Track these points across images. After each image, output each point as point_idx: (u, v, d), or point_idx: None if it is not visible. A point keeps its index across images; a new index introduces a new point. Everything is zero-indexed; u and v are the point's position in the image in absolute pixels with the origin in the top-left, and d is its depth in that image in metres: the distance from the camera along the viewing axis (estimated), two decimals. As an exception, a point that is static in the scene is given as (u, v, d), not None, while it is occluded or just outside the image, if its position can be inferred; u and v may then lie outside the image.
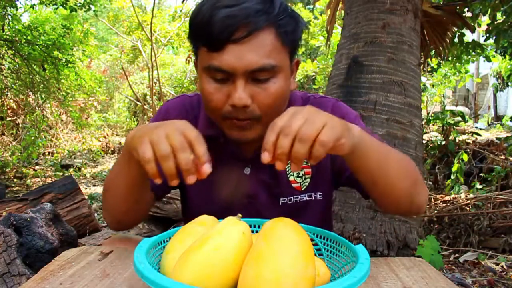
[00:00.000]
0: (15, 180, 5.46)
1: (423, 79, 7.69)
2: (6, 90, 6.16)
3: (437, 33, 3.36)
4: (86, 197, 2.50)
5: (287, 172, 0.95)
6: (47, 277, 0.68)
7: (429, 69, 8.10)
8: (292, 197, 0.95)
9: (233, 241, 0.54)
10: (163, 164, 0.62)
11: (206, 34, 0.77)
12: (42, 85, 6.01)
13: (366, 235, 2.18)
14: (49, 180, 5.37)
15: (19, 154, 6.10)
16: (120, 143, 8.33)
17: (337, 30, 5.70)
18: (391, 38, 2.40)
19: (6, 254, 1.20)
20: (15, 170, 5.76)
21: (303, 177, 0.96)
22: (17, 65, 5.72)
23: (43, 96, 6.25)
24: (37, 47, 5.26)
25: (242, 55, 0.76)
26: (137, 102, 9.42)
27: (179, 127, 0.64)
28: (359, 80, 2.38)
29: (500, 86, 10.34)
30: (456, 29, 3.68)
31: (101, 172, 6.22)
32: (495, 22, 3.82)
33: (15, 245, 1.23)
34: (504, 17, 3.73)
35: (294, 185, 0.95)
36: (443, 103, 9.80)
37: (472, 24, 3.60)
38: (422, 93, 3.28)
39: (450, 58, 4.32)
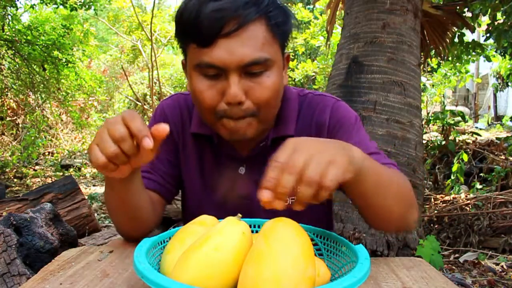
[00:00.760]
0: (15, 180, 5.46)
1: (423, 79, 7.69)
2: (6, 90, 6.16)
3: (437, 33, 3.36)
4: (86, 197, 2.50)
5: None
6: (47, 277, 0.68)
7: (429, 69, 8.10)
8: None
9: (233, 241, 0.54)
10: (116, 162, 0.64)
11: (194, 30, 0.74)
12: (42, 85, 6.01)
13: (366, 235, 2.18)
14: (49, 180, 5.37)
15: (19, 154, 6.10)
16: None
17: (337, 30, 5.70)
18: (391, 38, 2.40)
19: (6, 254, 1.20)
20: (15, 170, 5.77)
21: None
22: (17, 65, 5.72)
23: (43, 96, 6.25)
24: (37, 47, 5.26)
25: (234, 49, 0.73)
26: (137, 102, 9.41)
27: (118, 117, 0.65)
28: (359, 80, 2.38)
29: (500, 86, 10.35)
30: (456, 29, 3.68)
31: (101, 172, 6.22)
32: (495, 23, 3.82)
33: (15, 245, 1.23)
34: (504, 17, 3.73)
35: None
36: (443, 103, 9.80)
37: (472, 24, 3.60)
38: (422, 93, 3.28)
39: (450, 58, 4.32)
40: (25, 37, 5.20)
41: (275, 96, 0.81)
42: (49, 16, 6.68)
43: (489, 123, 10.37)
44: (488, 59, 4.63)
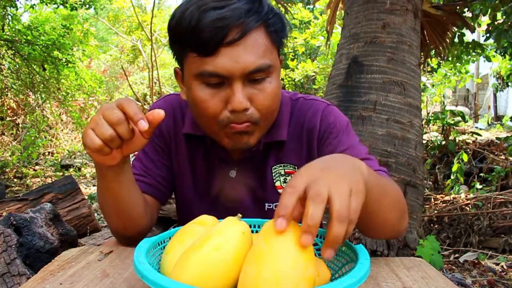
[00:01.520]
0: (15, 180, 5.46)
1: (423, 79, 7.69)
2: (6, 90, 6.16)
3: (437, 33, 3.36)
4: (86, 197, 2.50)
5: (273, 177, 0.92)
6: (47, 277, 0.68)
7: (429, 69, 8.11)
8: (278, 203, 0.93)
9: (233, 241, 0.54)
10: (111, 146, 0.65)
11: (195, 39, 0.73)
12: (42, 85, 6.01)
13: (366, 235, 2.18)
14: (49, 180, 5.37)
15: (19, 154, 6.10)
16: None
17: (337, 30, 5.70)
18: (391, 38, 2.40)
19: (6, 254, 1.20)
20: (15, 170, 5.77)
21: None
22: (17, 65, 5.72)
23: (43, 96, 6.25)
24: (37, 47, 5.26)
25: (238, 57, 0.73)
26: (137, 102, 9.41)
27: (113, 103, 0.66)
28: (359, 80, 2.38)
29: (500, 86, 10.34)
30: (456, 29, 3.68)
31: (101, 172, 6.22)
32: (495, 23, 3.82)
33: (15, 245, 1.23)
34: (504, 17, 3.73)
35: (280, 190, 0.92)
36: (443, 103, 9.81)
37: (472, 24, 3.60)
38: (422, 93, 3.28)
39: (450, 58, 4.32)
40: (25, 37, 5.19)
41: (277, 101, 0.82)
42: (49, 16, 6.67)
43: (489, 123, 10.37)
44: (488, 59, 4.63)
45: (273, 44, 0.79)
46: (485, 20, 4.76)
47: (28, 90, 6.12)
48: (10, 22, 5.27)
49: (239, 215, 0.59)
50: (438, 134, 5.39)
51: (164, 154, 0.96)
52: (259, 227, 0.73)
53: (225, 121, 0.78)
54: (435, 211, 3.42)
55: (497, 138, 5.24)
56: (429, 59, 4.09)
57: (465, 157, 3.91)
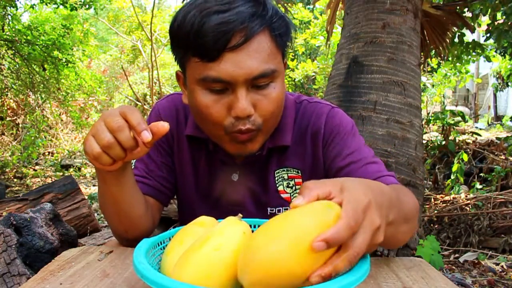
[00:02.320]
0: (15, 180, 5.47)
1: (423, 79, 7.69)
2: (6, 90, 6.16)
3: (437, 33, 3.36)
4: (86, 197, 2.50)
5: (276, 182, 0.91)
6: (47, 277, 0.68)
7: (429, 69, 8.11)
8: (281, 208, 0.91)
9: (234, 241, 0.54)
10: (109, 153, 0.64)
11: (198, 43, 0.71)
12: (42, 85, 6.01)
13: (366, 235, 2.18)
14: (49, 180, 5.37)
15: (19, 154, 6.10)
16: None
17: (337, 30, 5.70)
18: (391, 38, 2.40)
19: (6, 254, 1.20)
20: (15, 170, 5.77)
21: (293, 187, 0.91)
22: (17, 65, 5.72)
23: (43, 96, 6.25)
24: (37, 47, 5.26)
25: (242, 63, 0.71)
26: (137, 102, 9.42)
27: (115, 109, 0.65)
28: (359, 80, 2.38)
29: (500, 86, 10.35)
30: (456, 29, 3.68)
31: (101, 172, 6.23)
32: (495, 23, 3.82)
33: (15, 245, 1.23)
34: (504, 17, 3.74)
35: (283, 195, 0.91)
36: (443, 103, 9.81)
37: (472, 24, 3.60)
38: (422, 93, 3.28)
39: (450, 58, 4.32)
40: (25, 37, 5.19)
41: (281, 106, 0.81)
42: (49, 16, 6.68)
43: (489, 123, 10.37)
44: (488, 59, 4.63)
45: (277, 48, 0.77)
46: (485, 20, 4.76)
47: (28, 90, 6.12)
48: (10, 22, 5.27)
49: (240, 215, 0.59)
50: (438, 134, 5.39)
51: (167, 155, 0.95)
52: (259, 227, 0.73)
53: (229, 127, 0.76)
54: (435, 211, 3.42)
55: (497, 138, 5.24)
56: (429, 59, 4.09)
57: (465, 157, 3.91)
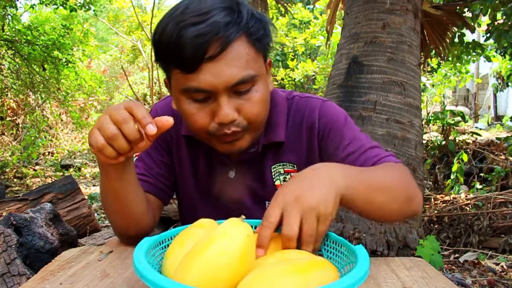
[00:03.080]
0: (15, 180, 5.46)
1: (423, 79, 7.69)
2: (6, 90, 6.16)
3: (437, 33, 3.36)
4: (86, 197, 2.50)
5: (273, 177, 0.93)
6: (47, 277, 0.68)
7: (429, 69, 8.11)
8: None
9: (238, 244, 0.53)
10: (114, 145, 0.65)
11: (177, 56, 0.73)
12: (42, 85, 6.01)
13: (366, 235, 2.18)
14: (49, 180, 5.37)
15: (19, 154, 6.10)
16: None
17: (337, 30, 5.70)
18: (391, 38, 2.40)
19: (6, 254, 1.20)
20: (15, 170, 5.77)
21: None
22: (17, 65, 5.72)
23: (43, 96, 6.25)
24: (37, 47, 5.26)
25: (220, 72, 0.73)
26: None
27: (120, 104, 0.66)
28: (359, 80, 2.38)
29: (500, 86, 10.35)
30: (456, 29, 3.68)
31: (101, 172, 6.22)
32: (496, 23, 3.82)
33: (15, 245, 1.23)
34: (504, 17, 3.74)
35: None
36: (443, 103, 9.81)
37: (472, 24, 3.60)
38: (422, 93, 3.28)
39: (450, 58, 4.32)
40: (25, 37, 5.20)
41: (266, 107, 0.83)
42: (49, 16, 6.68)
43: (489, 123, 10.37)
44: (488, 59, 4.63)
45: (257, 51, 0.78)
46: (485, 20, 4.76)
47: (28, 90, 6.12)
48: (10, 22, 5.27)
49: (243, 216, 0.59)
50: (438, 134, 5.39)
51: (166, 154, 0.96)
52: None
53: (214, 131, 0.78)
54: (435, 211, 3.42)
55: (497, 138, 5.24)
56: (429, 59, 4.09)
57: (465, 157, 3.91)
